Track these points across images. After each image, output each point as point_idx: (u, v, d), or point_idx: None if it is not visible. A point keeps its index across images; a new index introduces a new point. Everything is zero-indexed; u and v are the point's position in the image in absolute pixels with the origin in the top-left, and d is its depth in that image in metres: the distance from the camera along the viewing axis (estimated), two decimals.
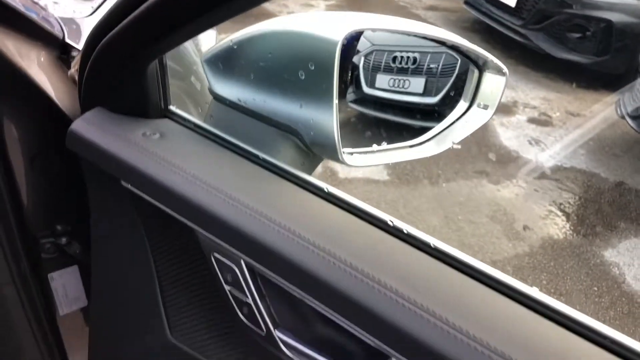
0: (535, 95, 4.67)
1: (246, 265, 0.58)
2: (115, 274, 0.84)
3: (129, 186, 0.66)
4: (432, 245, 0.52)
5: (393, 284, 0.49)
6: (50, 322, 1.14)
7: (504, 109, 4.40)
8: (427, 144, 0.79)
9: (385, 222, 0.55)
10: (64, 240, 1.10)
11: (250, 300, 0.59)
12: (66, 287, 1.16)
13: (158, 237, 0.70)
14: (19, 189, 1.01)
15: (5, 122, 0.96)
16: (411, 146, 0.78)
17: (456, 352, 0.44)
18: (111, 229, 0.79)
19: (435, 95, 0.85)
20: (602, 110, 4.59)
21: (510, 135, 4.06)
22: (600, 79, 4.87)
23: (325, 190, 0.59)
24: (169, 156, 0.63)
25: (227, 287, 0.61)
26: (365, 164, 0.69)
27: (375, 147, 0.72)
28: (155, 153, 0.64)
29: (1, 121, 0.94)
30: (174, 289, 0.71)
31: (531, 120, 4.30)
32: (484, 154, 3.81)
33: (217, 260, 0.61)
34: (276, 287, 0.58)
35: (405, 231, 0.53)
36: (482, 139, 3.98)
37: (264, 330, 0.59)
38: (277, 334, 0.59)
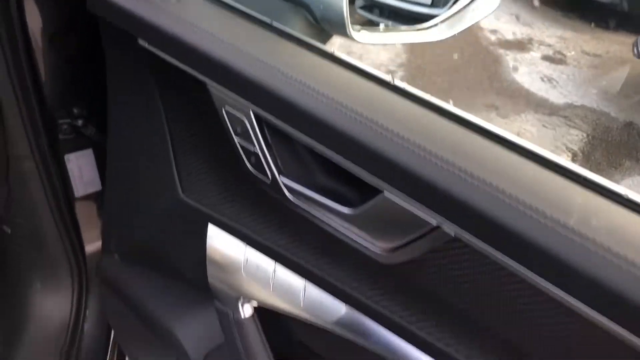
0: (551, 33, 4.59)
1: (255, 116, 0.62)
2: (129, 143, 0.88)
3: (146, 45, 0.70)
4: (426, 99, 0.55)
5: (400, 130, 0.53)
6: (67, 202, 1.20)
7: (519, 45, 4.35)
8: (435, 28, 0.81)
9: (386, 81, 0.58)
10: (80, 122, 1.15)
11: (257, 149, 0.64)
12: (82, 169, 1.22)
13: (171, 97, 0.74)
14: (39, 68, 1.05)
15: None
16: (419, 30, 0.81)
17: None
18: (126, 93, 0.83)
19: (444, 5, 0.87)
20: (618, 51, 4.52)
21: (523, 71, 4.03)
22: (620, 19, 4.77)
23: (333, 53, 0.62)
24: (186, 16, 0.66)
25: (236, 139, 0.66)
26: (373, 41, 0.71)
27: (382, 26, 0.74)
28: (172, 12, 0.67)
29: None
30: (185, 148, 0.76)
31: (545, 58, 4.25)
32: (495, 88, 3.79)
33: (227, 113, 0.65)
34: (282, 136, 0.62)
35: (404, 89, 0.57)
36: (494, 73, 3.96)
37: (270, 177, 0.64)
38: (282, 179, 0.63)
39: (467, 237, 0.50)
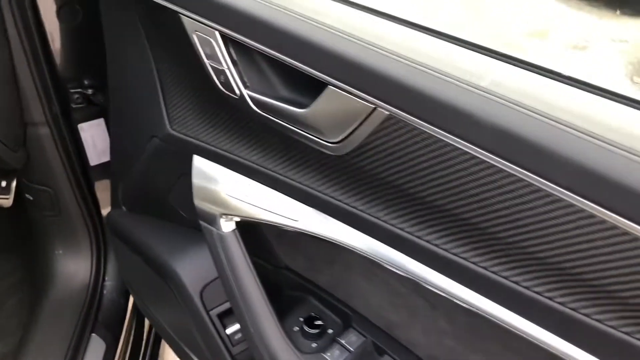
0: (574, 20, 4.57)
1: (221, 36, 0.69)
2: (126, 93, 0.96)
3: None
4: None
5: (338, 25, 0.59)
6: (82, 169, 1.29)
7: (541, 34, 4.34)
8: None
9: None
10: (90, 91, 1.24)
11: (225, 67, 0.70)
12: (94, 138, 1.31)
13: (156, 38, 0.82)
14: (49, 38, 1.14)
15: None
16: None
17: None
18: (121, 47, 0.91)
19: None
20: None
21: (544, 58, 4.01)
22: None
23: None
24: None
25: (207, 62, 0.72)
26: None
27: None
28: None
29: None
30: (170, 82, 0.83)
31: (567, 45, 4.23)
32: None
33: (198, 37, 0.72)
34: (245, 53, 0.69)
35: None
36: None
37: (238, 93, 0.71)
38: (247, 93, 0.70)
39: (399, 113, 0.56)
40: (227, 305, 0.96)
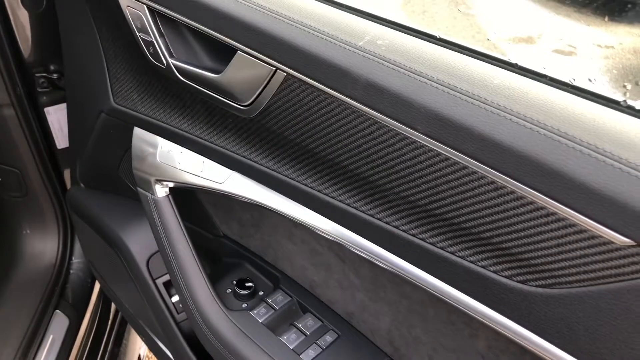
0: (562, 27, 4.62)
1: (148, 9, 0.75)
2: (77, 72, 1.02)
3: None
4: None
5: None
6: (48, 151, 1.35)
7: (527, 40, 4.39)
8: None
9: None
10: (55, 76, 1.30)
11: (152, 38, 0.76)
12: (61, 122, 1.36)
13: (100, 17, 0.87)
14: (14, 24, 1.20)
15: None
16: None
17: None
18: (73, 30, 0.97)
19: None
20: (632, 42, 4.51)
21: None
22: (635, 12, 4.75)
23: None
24: None
25: (139, 34, 0.78)
26: None
27: None
28: None
29: None
30: (112, 56, 0.88)
31: (555, 51, 4.28)
32: None
33: (130, 12, 0.77)
34: (170, 25, 0.74)
35: None
36: None
37: (164, 62, 0.76)
38: (173, 62, 0.75)
39: (294, 74, 0.61)
40: (168, 277, 1.01)
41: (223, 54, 0.70)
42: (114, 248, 1.06)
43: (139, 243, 1.01)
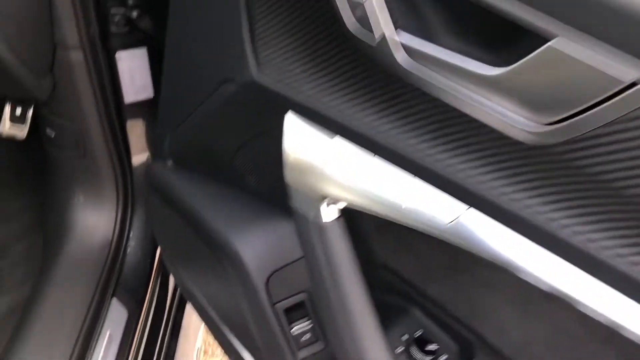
0: None
1: None
2: (193, 26, 0.75)
3: None
4: None
5: None
6: (116, 105, 1.09)
7: None
8: None
9: None
10: (135, 13, 1.02)
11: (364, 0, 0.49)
12: (133, 71, 1.10)
13: None
14: None
15: None
16: None
17: None
18: None
19: None
20: None
21: None
22: None
23: None
24: None
25: None
26: None
27: None
28: None
29: None
30: (266, 14, 0.61)
31: None
32: None
33: None
34: None
35: None
36: None
37: (378, 36, 0.50)
38: (398, 36, 0.49)
39: None
40: (294, 300, 0.78)
41: (496, 35, 0.44)
42: (218, 254, 0.82)
43: (257, 258, 0.77)
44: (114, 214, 1.17)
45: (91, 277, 1.10)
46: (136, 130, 1.17)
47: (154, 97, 1.15)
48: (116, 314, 1.10)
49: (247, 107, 0.72)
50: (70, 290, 1.07)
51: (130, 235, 1.19)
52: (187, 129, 0.85)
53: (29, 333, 1.01)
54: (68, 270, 1.11)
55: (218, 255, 0.83)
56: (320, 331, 0.79)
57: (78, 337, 1.01)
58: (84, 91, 1.02)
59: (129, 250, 1.19)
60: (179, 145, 0.89)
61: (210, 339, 1.60)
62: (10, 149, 1.40)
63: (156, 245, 1.24)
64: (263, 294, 0.77)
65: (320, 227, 0.60)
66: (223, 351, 1.01)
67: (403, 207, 0.54)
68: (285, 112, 0.64)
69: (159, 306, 1.23)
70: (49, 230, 1.23)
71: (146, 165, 1.21)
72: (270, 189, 0.80)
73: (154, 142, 0.97)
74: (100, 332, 1.05)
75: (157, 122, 0.91)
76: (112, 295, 1.11)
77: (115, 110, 1.08)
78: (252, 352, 0.87)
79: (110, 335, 1.07)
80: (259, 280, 0.77)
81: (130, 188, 1.17)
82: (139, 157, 1.19)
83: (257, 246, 0.78)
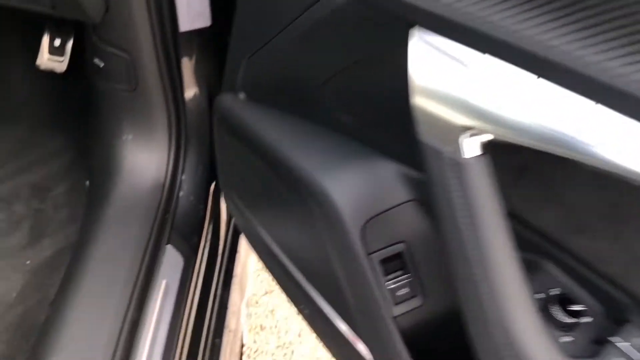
0: None
1: None
2: None
3: None
4: None
5: None
6: (173, 33, 0.98)
7: None
8: None
9: None
10: None
11: None
12: None
13: None
14: None
15: None
16: None
17: None
18: None
19: None
20: None
21: None
22: None
23: None
24: None
25: None
26: None
27: None
28: None
29: None
30: None
31: None
32: None
33: None
34: None
35: None
36: None
37: None
38: None
39: None
40: (392, 250, 0.70)
41: None
42: (300, 193, 0.73)
43: (353, 202, 0.68)
44: (165, 154, 1.08)
45: (144, 221, 1.02)
46: (189, 63, 1.07)
47: (210, 25, 1.04)
48: (171, 262, 1.02)
49: (349, 27, 0.62)
50: (124, 235, 0.99)
51: (183, 177, 1.10)
52: (265, 56, 0.75)
53: (82, 279, 0.93)
54: (119, 213, 1.03)
55: (301, 197, 0.74)
56: (419, 286, 0.71)
57: (135, 284, 0.93)
58: (139, 15, 0.91)
59: (181, 193, 1.10)
60: (254, 76, 0.79)
61: (258, 288, 1.54)
62: (48, 83, 1.30)
63: (209, 189, 1.16)
64: (357, 243, 0.68)
65: (460, 165, 0.50)
66: (291, 301, 0.93)
67: (576, 139, 0.44)
68: (408, 28, 0.53)
69: (211, 254, 1.15)
70: (94, 170, 1.15)
71: (199, 102, 1.11)
72: (368, 126, 0.70)
73: (224, 73, 0.87)
74: (156, 280, 0.97)
75: (229, 51, 0.81)
76: (168, 242, 1.02)
77: (172, 37, 0.98)
78: (333, 303, 0.79)
79: (167, 283, 0.99)
80: (353, 228, 0.68)
81: (184, 126, 1.07)
82: (192, 92, 1.09)
83: (352, 189, 0.68)
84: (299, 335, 1.52)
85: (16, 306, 1.03)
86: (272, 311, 1.55)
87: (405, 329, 0.70)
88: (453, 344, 0.70)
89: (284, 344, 1.50)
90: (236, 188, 0.96)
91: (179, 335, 0.96)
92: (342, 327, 0.79)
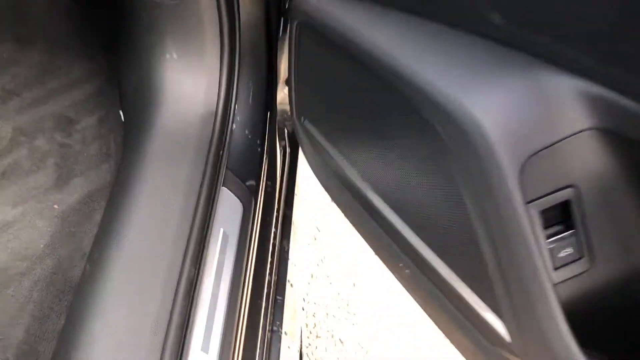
0: None
1: None
2: None
3: None
4: None
5: None
6: None
7: None
8: None
9: None
10: None
11: None
12: None
13: None
14: None
15: None
16: None
17: None
18: None
19: None
20: None
21: None
22: None
23: None
24: None
25: None
26: None
27: None
28: None
29: None
30: None
31: None
32: None
33: None
34: None
35: None
36: None
37: None
38: None
39: None
40: (556, 198, 0.52)
41: None
42: (423, 116, 0.55)
43: (510, 131, 0.50)
44: (216, 77, 0.89)
45: (195, 158, 0.84)
46: None
47: None
48: (229, 207, 0.85)
49: None
50: (171, 176, 0.82)
51: (236, 107, 0.92)
52: None
53: (124, 229, 0.76)
54: (164, 149, 0.85)
55: (422, 123, 0.55)
56: (586, 246, 0.53)
57: (189, 235, 0.76)
58: None
59: (234, 126, 0.92)
60: None
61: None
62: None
63: (265, 122, 0.97)
64: (515, 187, 0.50)
65: None
66: (382, 257, 0.76)
67: None
68: None
69: (268, 199, 0.98)
70: (129, 98, 0.96)
71: (255, 14, 0.91)
72: (532, 26, 0.51)
73: None
74: (214, 229, 0.80)
75: None
76: (223, 184, 0.85)
77: None
78: (456, 264, 0.61)
79: (224, 233, 0.82)
80: (510, 166, 0.50)
81: (238, 44, 0.88)
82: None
83: (509, 115, 0.50)
84: (354, 286, 1.37)
85: (45, 259, 0.87)
86: (322, 260, 1.40)
87: (566, 301, 0.53)
88: (628, 324, 0.53)
89: (338, 294, 1.35)
90: (312, 113, 0.77)
91: (242, 294, 0.80)
92: (464, 293, 0.61)
